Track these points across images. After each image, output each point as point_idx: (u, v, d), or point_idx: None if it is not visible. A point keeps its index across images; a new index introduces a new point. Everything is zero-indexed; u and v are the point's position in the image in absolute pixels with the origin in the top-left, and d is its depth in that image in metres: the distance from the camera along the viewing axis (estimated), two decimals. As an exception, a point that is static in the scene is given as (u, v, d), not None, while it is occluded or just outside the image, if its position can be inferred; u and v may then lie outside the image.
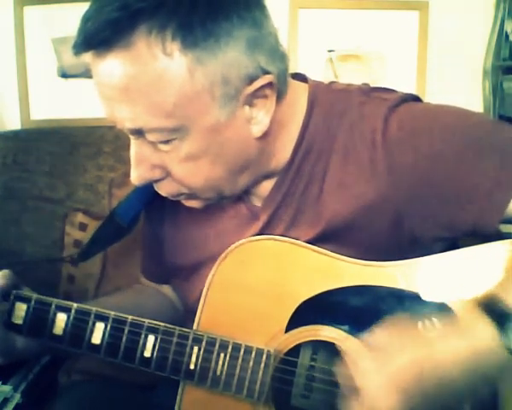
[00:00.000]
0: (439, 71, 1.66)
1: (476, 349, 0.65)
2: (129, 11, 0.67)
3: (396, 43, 1.65)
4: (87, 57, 0.73)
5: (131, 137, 0.77)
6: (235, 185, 0.83)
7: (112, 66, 0.70)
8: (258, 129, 0.78)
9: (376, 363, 0.66)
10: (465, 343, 0.65)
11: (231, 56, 0.71)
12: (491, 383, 0.69)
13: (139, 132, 0.75)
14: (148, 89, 0.70)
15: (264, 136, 0.79)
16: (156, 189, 0.83)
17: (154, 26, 0.68)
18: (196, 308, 0.86)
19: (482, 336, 0.65)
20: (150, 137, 0.75)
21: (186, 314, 0.99)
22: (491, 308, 0.66)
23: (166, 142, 0.75)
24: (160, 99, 0.71)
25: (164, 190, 0.83)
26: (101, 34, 0.68)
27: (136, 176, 0.79)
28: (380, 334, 0.69)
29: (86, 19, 0.70)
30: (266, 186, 0.87)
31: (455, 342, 0.66)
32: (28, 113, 1.68)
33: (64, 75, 1.66)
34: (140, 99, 0.71)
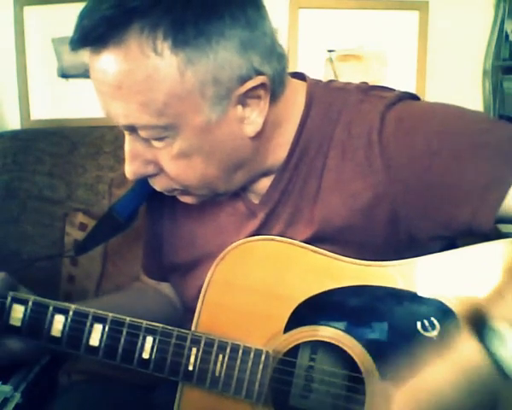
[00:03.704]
0: (439, 71, 1.65)
1: (466, 370, 0.65)
2: (123, 9, 0.68)
3: (396, 43, 1.65)
4: (85, 54, 0.73)
5: (125, 132, 0.78)
6: (230, 183, 0.83)
7: (106, 63, 0.71)
8: (251, 129, 0.78)
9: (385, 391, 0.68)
10: (454, 364, 0.66)
11: (223, 56, 0.71)
12: (488, 401, 0.69)
13: (132, 128, 0.76)
14: (139, 87, 0.71)
15: (259, 135, 0.79)
16: (151, 183, 0.84)
17: (146, 25, 0.69)
18: (194, 307, 0.86)
19: (470, 355, 0.65)
20: (142, 133, 0.75)
21: (184, 313, 0.99)
22: (479, 326, 0.66)
23: (159, 139, 0.76)
24: (150, 97, 0.71)
25: (158, 185, 0.84)
26: (96, 31, 0.69)
27: (130, 171, 0.80)
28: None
29: (83, 16, 0.71)
30: (264, 184, 0.87)
31: (446, 364, 0.67)
32: (28, 113, 1.68)
33: (64, 75, 1.66)
34: (132, 96, 0.72)
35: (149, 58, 0.70)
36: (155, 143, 0.76)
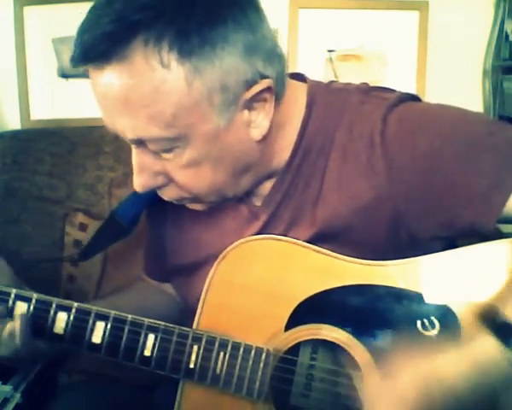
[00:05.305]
0: (439, 71, 1.66)
1: (478, 362, 0.65)
2: (125, 23, 0.67)
3: (396, 43, 1.65)
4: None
5: (133, 146, 0.77)
6: (238, 187, 0.83)
7: (110, 78, 0.70)
8: (257, 132, 0.78)
9: (383, 382, 0.68)
10: (467, 357, 0.66)
11: (228, 63, 0.71)
12: (495, 394, 0.69)
13: (140, 142, 0.75)
14: (146, 100, 0.70)
15: (264, 138, 0.79)
16: (159, 194, 0.84)
17: (150, 38, 0.68)
18: (196, 308, 0.86)
19: (484, 349, 0.66)
20: (151, 146, 0.75)
21: (187, 315, 0.99)
22: (491, 321, 0.66)
23: (168, 150, 0.75)
24: (159, 110, 0.71)
25: (167, 195, 0.83)
26: (97, 48, 0.68)
27: (139, 184, 0.79)
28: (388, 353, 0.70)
29: (83, 31, 0.69)
30: (267, 186, 0.87)
31: (457, 355, 0.67)
32: (28, 113, 1.68)
33: (64, 75, 1.66)
34: (139, 110, 0.71)
35: (156, 71, 0.69)
36: (164, 155, 0.76)
